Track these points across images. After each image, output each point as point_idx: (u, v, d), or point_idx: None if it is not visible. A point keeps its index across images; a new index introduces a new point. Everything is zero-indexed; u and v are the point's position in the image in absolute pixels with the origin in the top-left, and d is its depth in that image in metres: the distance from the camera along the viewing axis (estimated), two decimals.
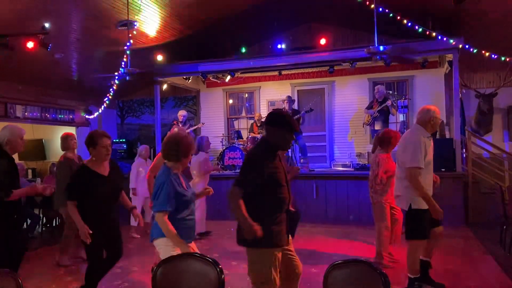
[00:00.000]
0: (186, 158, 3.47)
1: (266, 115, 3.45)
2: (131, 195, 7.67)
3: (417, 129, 4.41)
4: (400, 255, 5.45)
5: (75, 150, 6.12)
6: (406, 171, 4.23)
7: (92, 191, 3.93)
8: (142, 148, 8.29)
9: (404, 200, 4.34)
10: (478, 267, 5.50)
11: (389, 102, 9.03)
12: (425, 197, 4.15)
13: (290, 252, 3.27)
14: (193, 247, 3.44)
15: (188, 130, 10.55)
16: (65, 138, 5.98)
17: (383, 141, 5.53)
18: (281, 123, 3.15)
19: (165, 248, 3.30)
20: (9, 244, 4.06)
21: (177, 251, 3.20)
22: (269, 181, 3.07)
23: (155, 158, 5.54)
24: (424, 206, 4.19)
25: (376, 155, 5.55)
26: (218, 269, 2.41)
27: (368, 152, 10.21)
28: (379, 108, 9.13)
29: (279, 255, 3.11)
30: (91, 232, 3.84)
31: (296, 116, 9.53)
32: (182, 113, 10.67)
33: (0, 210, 3.99)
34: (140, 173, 7.81)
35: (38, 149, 12.72)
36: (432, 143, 4.43)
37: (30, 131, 12.28)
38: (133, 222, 7.42)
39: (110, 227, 4.12)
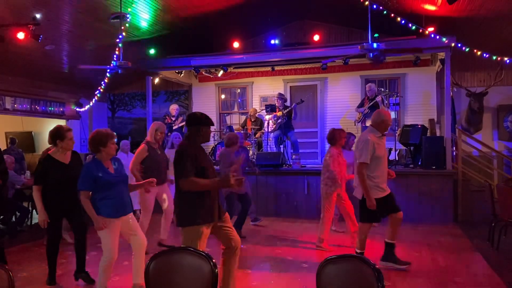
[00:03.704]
0: (104, 147, 4.05)
1: (186, 117, 4.05)
2: None
3: (369, 130, 5.18)
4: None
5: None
6: (356, 165, 5.06)
7: (53, 177, 4.60)
8: (123, 143, 8.73)
9: (359, 191, 5.11)
10: (467, 263, 5.56)
11: (379, 98, 9.08)
12: (364, 188, 4.94)
13: (226, 228, 3.84)
14: (124, 222, 4.16)
15: (182, 124, 10.50)
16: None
17: (331, 138, 6.20)
18: (197, 122, 3.77)
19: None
20: None
21: (108, 228, 4.01)
22: (198, 169, 3.63)
23: (137, 151, 6.01)
24: (375, 196, 4.94)
25: (328, 150, 6.26)
26: (211, 263, 2.40)
27: None
28: (369, 105, 9.17)
29: (207, 231, 3.70)
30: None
31: (287, 110, 9.53)
32: (174, 107, 10.61)
33: None
34: None
35: (28, 142, 12.60)
36: (384, 141, 5.15)
37: (20, 123, 12.16)
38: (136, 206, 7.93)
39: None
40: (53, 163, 4.61)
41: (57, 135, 4.63)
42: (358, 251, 5.19)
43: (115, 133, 4.17)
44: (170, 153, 7.50)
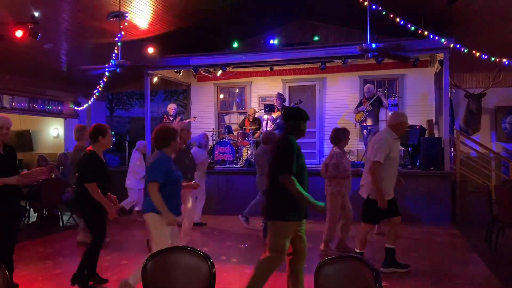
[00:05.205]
0: (175, 141, 4.00)
1: (284, 112, 3.97)
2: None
3: (385, 131, 5.12)
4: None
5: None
6: (370, 164, 4.95)
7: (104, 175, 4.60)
8: (140, 143, 8.77)
9: (365, 190, 5.08)
10: (464, 264, 5.57)
11: (379, 93, 9.09)
12: (377, 188, 4.85)
13: (301, 229, 3.80)
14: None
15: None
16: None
17: (335, 138, 6.02)
18: (298, 116, 3.77)
19: (154, 222, 3.82)
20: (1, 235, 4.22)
21: (165, 226, 3.79)
22: (299, 165, 3.63)
23: None
24: None
25: (332, 150, 6.09)
26: (209, 263, 2.40)
27: (357, 150, 10.26)
28: (371, 101, 9.16)
29: (296, 228, 3.67)
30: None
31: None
32: (172, 106, 10.61)
33: None
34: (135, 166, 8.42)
35: (26, 140, 12.59)
36: (398, 144, 5.13)
37: (18, 122, 12.13)
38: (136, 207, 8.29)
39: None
40: (99, 160, 4.59)
41: (99, 131, 4.60)
42: (358, 251, 5.17)
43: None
44: (200, 152, 7.48)
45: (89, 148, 4.64)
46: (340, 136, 5.99)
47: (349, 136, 6.13)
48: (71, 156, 6.51)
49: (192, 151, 6.90)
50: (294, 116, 3.79)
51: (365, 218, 5.13)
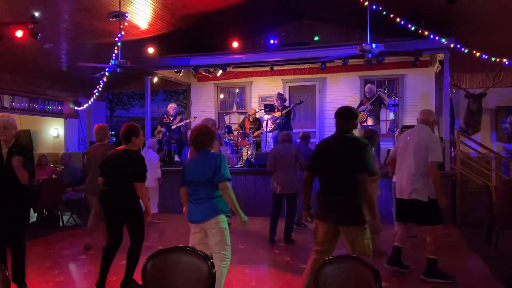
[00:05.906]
0: (214, 141, 4.08)
1: (336, 112, 3.81)
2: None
3: (427, 129, 4.88)
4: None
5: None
6: (429, 164, 4.66)
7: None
8: (154, 141, 8.65)
9: (425, 192, 4.73)
10: (465, 264, 5.56)
11: (380, 92, 9.09)
12: (438, 187, 4.68)
13: None
14: None
15: (181, 124, 10.47)
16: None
17: (369, 139, 5.64)
18: (356, 115, 3.81)
19: (224, 224, 3.83)
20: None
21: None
22: None
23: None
24: (432, 196, 4.71)
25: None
26: (209, 263, 2.39)
27: None
28: (372, 100, 9.15)
29: None
30: None
31: (286, 110, 9.52)
32: (172, 106, 10.60)
33: None
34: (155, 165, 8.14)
35: (26, 140, 12.57)
36: None
37: (18, 122, 12.12)
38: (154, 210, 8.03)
39: None
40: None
41: (133, 131, 4.56)
42: (434, 258, 4.85)
43: None
44: (223, 149, 7.45)
45: (121, 147, 4.57)
46: (374, 137, 5.79)
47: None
48: (93, 155, 6.00)
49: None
50: (354, 116, 3.79)
51: (435, 220, 4.83)
